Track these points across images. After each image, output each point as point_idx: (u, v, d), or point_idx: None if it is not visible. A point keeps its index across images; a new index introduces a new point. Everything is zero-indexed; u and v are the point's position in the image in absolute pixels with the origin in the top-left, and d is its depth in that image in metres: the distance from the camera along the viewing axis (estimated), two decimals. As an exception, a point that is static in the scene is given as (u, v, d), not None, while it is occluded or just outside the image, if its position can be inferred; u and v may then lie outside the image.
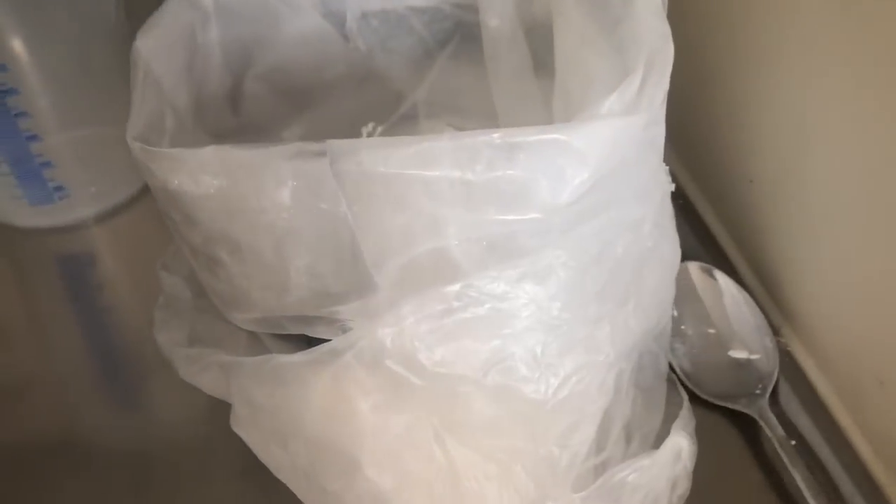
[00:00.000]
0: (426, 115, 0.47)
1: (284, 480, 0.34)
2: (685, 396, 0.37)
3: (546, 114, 0.41)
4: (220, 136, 0.43)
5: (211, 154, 0.29)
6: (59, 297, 0.53)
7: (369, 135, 0.48)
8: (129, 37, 0.51)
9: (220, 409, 0.37)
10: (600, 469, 0.32)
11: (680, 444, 0.33)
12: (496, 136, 0.27)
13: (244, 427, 0.34)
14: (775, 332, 0.41)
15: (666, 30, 0.31)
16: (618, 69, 0.33)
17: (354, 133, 0.48)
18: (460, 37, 0.45)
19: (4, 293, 0.53)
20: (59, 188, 0.53)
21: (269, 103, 0.45)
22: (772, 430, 0.36)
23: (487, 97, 0.44)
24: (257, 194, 0.29)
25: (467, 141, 0.27)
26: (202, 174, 0.29)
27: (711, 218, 0.47)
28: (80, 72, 0.51)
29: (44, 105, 0.50)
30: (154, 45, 0.37)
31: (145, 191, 0.57)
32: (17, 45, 0.48)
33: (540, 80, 0.42)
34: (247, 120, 0.45)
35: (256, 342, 0.36)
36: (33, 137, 0.51)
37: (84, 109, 0.53)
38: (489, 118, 0.45)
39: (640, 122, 0.28)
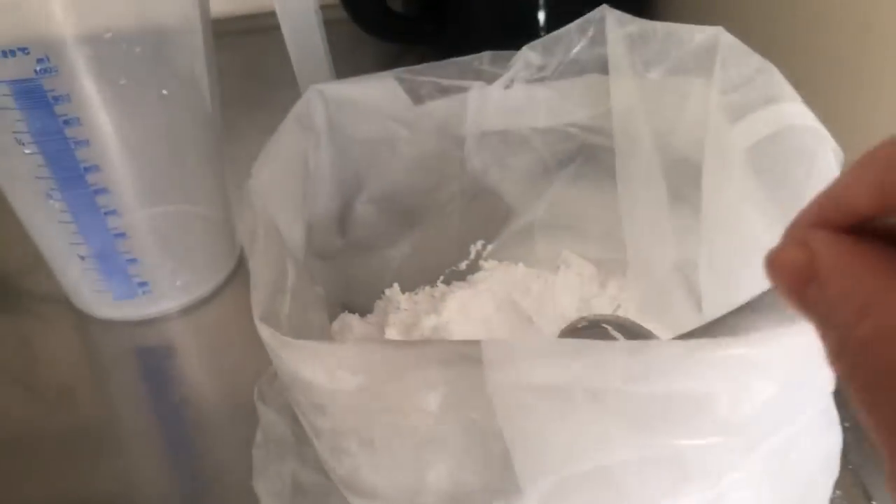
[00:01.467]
0: (543, 235, 0.44)
1: None
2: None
3: (679, 251, 0.39)
4: (325, 256, 0.41)
5: (352, 350, 0.26)
6: (137, 391, 0.51)
7: (478, 253, 0.45)
8: (221, 125, 0.50)
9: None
10: None
11: None
12: (676, 348, 0.24)
13: None
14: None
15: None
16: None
17: (463, 250, 0.45)
18: (583, 158, 0.42)
19: (83, 383, 0.51)
20: (142, 283, 0.51)
21: (377, 224, 0.43)
22: None
23: (609, 221, 0.42)
24: (401, 397, 0.26)
25: (643, 351, 0.25)
26: (340, 369, 0.26)
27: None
28: (169, 160, 0.49)
29: (130, 199, 0.48)
30: (269, 179, 0.35)
31: (228, 282, 0.55)
32: (112, 144, 0.45)
33: (675, 213, 0.39)
34: (353, 240, 0.43)
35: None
36: (121, 235, 0.48)
37: (171, 195, 0.51)
38: (611, 242, 0.42)
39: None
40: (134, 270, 0.50)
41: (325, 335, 0.42)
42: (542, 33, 0.62)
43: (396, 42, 0.69)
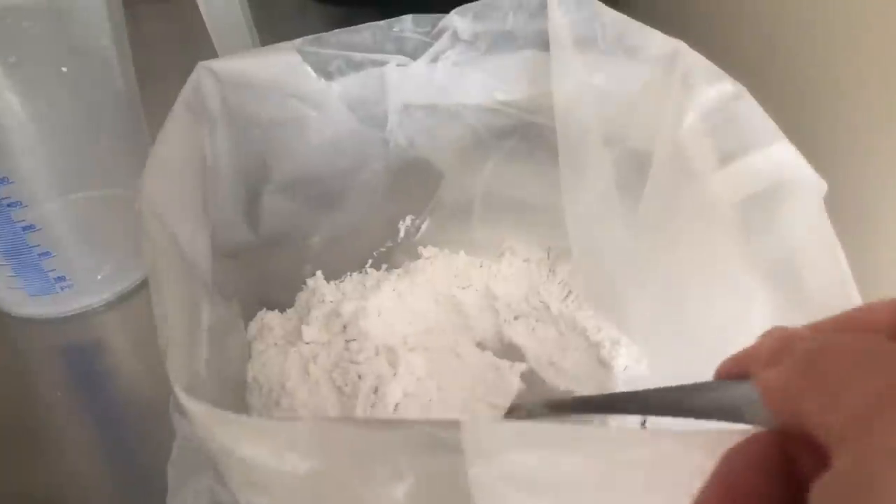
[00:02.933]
0: (483, 219, 0.41)
1: None
2: None
3: (627, 239, 0.36)
4: (235, 254, 0.38)
5: (306, 430, 0.23)
6: (62, 389, 0.48)
7: (407, 230, 0.42)
8: (137, 100, 0.45)
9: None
10: None
11: None
12: (681, 442, 0.22)
13: None
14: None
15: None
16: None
17: (392, 230, 0.42)
18: (520, 136, 0.38)
19: (5, 383, 0.48)
20: (60, 278, 0.47)
21: (290, 212, 0.39)
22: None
23: (555, 204, 0.39)
24: (361, 485, 0.24)
25: (646, 446, 0.22)
26: (290, 451, 0.24)
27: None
28: (79, 143, 0.46)
29: (39, 188, 0.44)
30: (163, 187, 0.31)
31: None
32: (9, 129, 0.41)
33: (622, 199, 0.36)
34: (265, 232, 0.39)
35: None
36: (30, 227, 0.44)
37: (86, 180, 0.48)
38: (559, 227, 0.39)
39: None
40: (49, 265, 0.47)
41: (245, 357, 0.39)
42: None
43: (342, 4, 0.62)
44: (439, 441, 0.22)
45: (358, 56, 0.35)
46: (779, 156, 0.28)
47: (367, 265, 0.42)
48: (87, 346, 0.49)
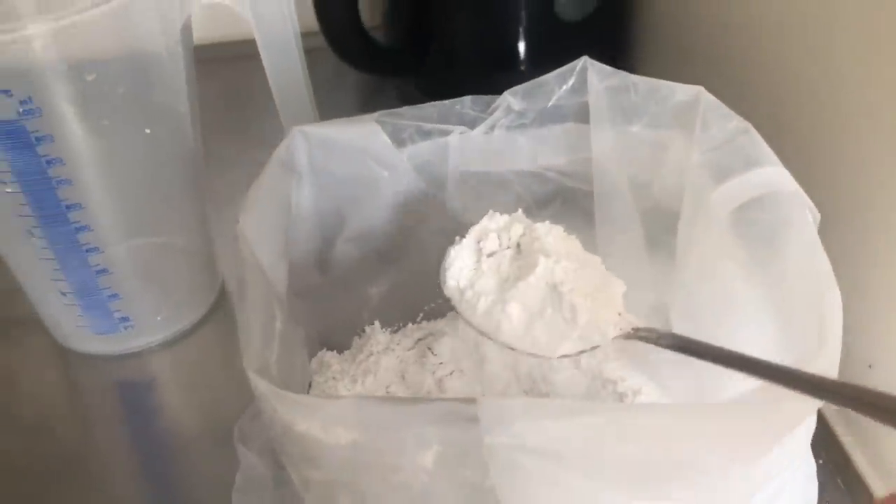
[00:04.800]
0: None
1: None
2: None
3: (656, 294, 0.40)
4: (304, 294, 0.42)
5: (349, 406, 0.27)
6: (116, 424, 0.51)
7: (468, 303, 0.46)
8: (201, 156, 0.50)
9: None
10: None
11: None
12: (669, 413, 0.25)
13: None
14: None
15: (827, 267, 0.29)
16: (762, 298, 0.31)
17: (460, 304, 0.46)
18: (561, 200, 0.43)
19: (62, 416, 0.51)
20: (124, 318, 0.51)
21: (356, 261, 0.44)
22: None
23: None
24: (395, 454, 0.27)
25: (637, 414, 0.26)
26: (336, 425, 0.27)
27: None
28: (150, 195, 0.50)
29: (112, 236, 0.48)
30: (255, 224, 0.36)
31: (210, 315, 0.56)
32: (94, 182, 0.46)
33: (652, 258, 0.40)
34: (332, 278, 0.44)
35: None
36: (103, 271, 0.49)
37: (153, 229, 0.52)
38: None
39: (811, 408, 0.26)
40: (115, 306, 0.51)
41: (307, 376, 0.42)
42: (521, 68, 0.64)
43: (377, 75, 0.69)
44: (460, 414, 0.26)
45: (427, 126, 0.40)
46: (775, 174, 0.32)
47: (419, 318, 0.46)
48: (143, 383, 0.53)
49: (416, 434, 0.26)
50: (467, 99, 0.41)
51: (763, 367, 0.28)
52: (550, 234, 0.39)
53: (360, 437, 0.27)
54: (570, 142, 0.40)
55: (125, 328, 0.52)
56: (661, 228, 0.39)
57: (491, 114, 0.41)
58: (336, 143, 0.40)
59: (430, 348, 0.44)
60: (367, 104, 0.77)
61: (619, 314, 0.36)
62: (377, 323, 0.46)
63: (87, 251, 0.47)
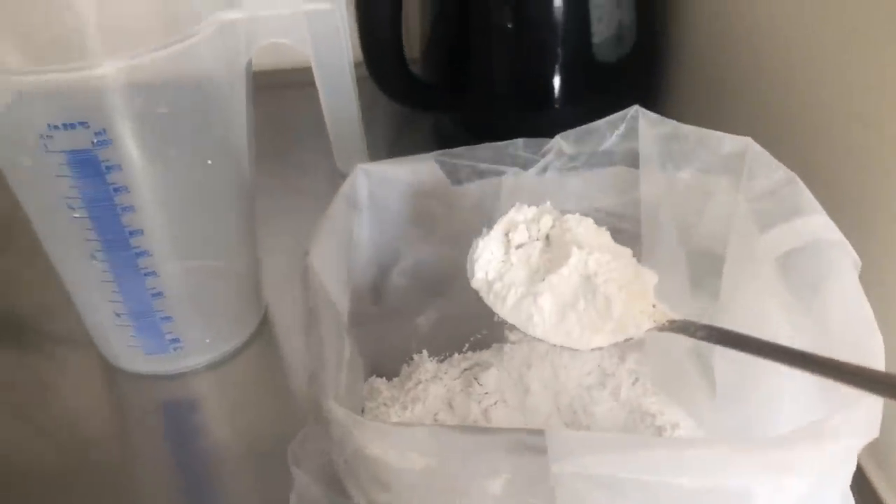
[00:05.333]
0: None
1: None
2: None
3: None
4: (359, 323, 0.44)
5: (425, 433, 0.29)
6: (162, 443, 0.53)
7: (501, 322, 0.48)
8: (253, 184, 0.52)
9: None
10: None
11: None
12: (721, 446, 0.27)
13: None
14: None
15: (869, 314, 0.31)
16: (805, 341, 0.33)
17: (488, 319, 0.48)
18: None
19: (108, 434, 0.53)
20: (174, 340, 0.53)
21: (408, 294, 0.46)
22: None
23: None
24: (466, 480, 0.29)
25: (691, 447, 0.27)
26: (411, 451, 0.29)
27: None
28: (206, 221, 0.52)
29: (168, 261, 0.50)
30: (323, 257, 0.38)
31: (253, 339, 0.57)
32: (156, 210, 0.48)
33: (694, 298, 0.42)
34: (386, 308, 0.46)
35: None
36: (158, 294, 0.51)
37: (205, 254, 0.54)
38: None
39: (859, 444, 0.28)
40: (167, 328, 0.53)
41: (361, 401, 0.44)
42: (556, 106, 0.66)
43: (417, 108, 0.71)
44: (528, 444, 0.28)
45: (483, 166, 0.42)
46: (820, 223, 0.34)
47: (465, 348, 0.48)
48: (187, 403, 0.54)
49: (487, 462, 0.28)
50: (520, 141, 0.43)
51: (803, 357, 0.30)
52: (581, 225, 0.39)
53: (433, 462, 0.29)
54: (619, 184, 0.42)
55: (175, 349, 0.54)
56: (704, 270, 0.41)
57: (543, 156, 0.43)
58: (396, 180, 0.43)
59: (476, 378, 0.46)
60: (401, 134, 0.80)
61: (654, 305, 0.37)
62: (425, 352, 0.48)
63: (145, 275, 0.49)
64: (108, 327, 0.53)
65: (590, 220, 0.40)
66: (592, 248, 0.38)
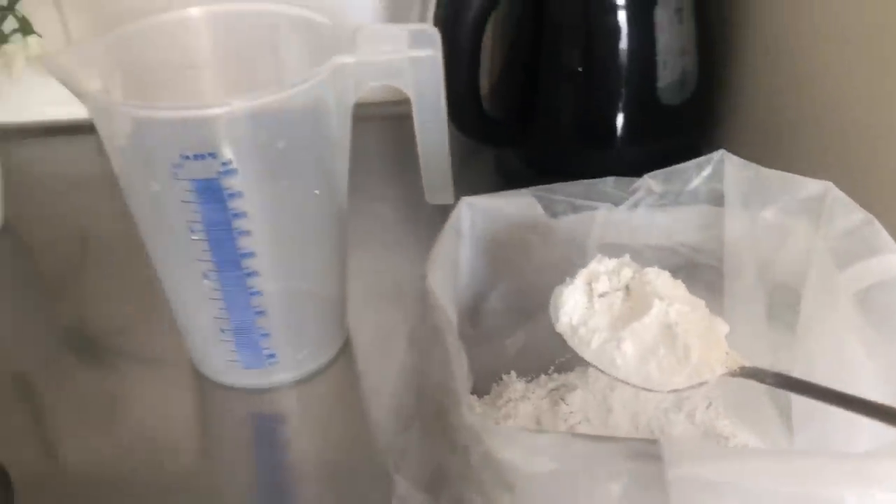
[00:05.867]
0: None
1: None
2: None
3: (771, 363, 0.45)
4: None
5: (554, 440, 0.32)
6: (250, 451, 0.56)
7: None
8: (345, 216, 0.56)
9: None
10: None
11: None
12: (825, 459, 0.31)
13: None
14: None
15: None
16: (883, 374, 0.36)
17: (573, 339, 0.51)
18: (687, 273, 0.48)
19: (200, 447, 0.57)
20: (270, 355, 0.57)
21: (500, 317, 0.49)
22: None
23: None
24: (588, 484, 0.32)
25: (792, 458, 0.31)
26: (538, 455, 0.32)
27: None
28: (306, 245, 0.56)
29: (272, 281, 0.54)
30: (438, 281, 0.41)
31: (337, 358, 0.61)
32: (268, 234, 0.52)
33: (771, 329, 0.45)
34: (481, 331, 0.49)
35: None
36: (261, 312, 0.55)
37: (303, 276, 0.58)
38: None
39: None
40: (265, 343, 0.56)
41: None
42: (617, 146, 0.70)
43: (486, 143, 0.76)
44: (645, 452, 0.31)
45: (578, 201, 0.46)
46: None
47: (551, 370, 0.52)
48: (276, 416, 0.58)
49: (608, 467, 0.32)
50: (610, 179, 0.47)
51: (862, 404, 0.34)
52: (660, 277, 0.43)
53: (559, 466, 0.33)
54: (703, 221, 0.46)
55: (270, 364, 0.57)
56: (782, 303, 0.44)
57: (632, 193, 0.47)
58: (497, 213, 0.47)
59: (562, 398, 0.49)
60: (464, 166, 0.84)
61: (727, 353, 0.41)
62: (513, 373, 0.52)
63: (251, 294, 0.53)
64: (210, 342, 0.57)
65: (667, 274, 0.44)
66: (671, 299, 0.42)
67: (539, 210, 0.46)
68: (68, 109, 0.85)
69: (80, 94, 0.49)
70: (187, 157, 0.47)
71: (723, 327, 0.42)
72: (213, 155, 0.47)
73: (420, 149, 0.56)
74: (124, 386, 0.60)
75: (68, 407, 0.59)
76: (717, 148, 0.46)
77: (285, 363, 0.58)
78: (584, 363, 0.50)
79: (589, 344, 0.43)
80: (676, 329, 0.41)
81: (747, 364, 0.41)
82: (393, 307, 0.65)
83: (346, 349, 0.62)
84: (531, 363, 0.52)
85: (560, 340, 0.50)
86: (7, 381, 0.62)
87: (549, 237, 0.47)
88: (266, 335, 0.56)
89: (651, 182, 0.46)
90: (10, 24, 0.66)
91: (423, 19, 0.86)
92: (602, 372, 0.42)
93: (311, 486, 0.54)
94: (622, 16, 0.68)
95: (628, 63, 0.69)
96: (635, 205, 0.46)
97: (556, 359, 0.52)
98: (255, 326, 0.55)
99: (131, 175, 0.51)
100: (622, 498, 0.32)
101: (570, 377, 0.51)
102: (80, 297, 0.70)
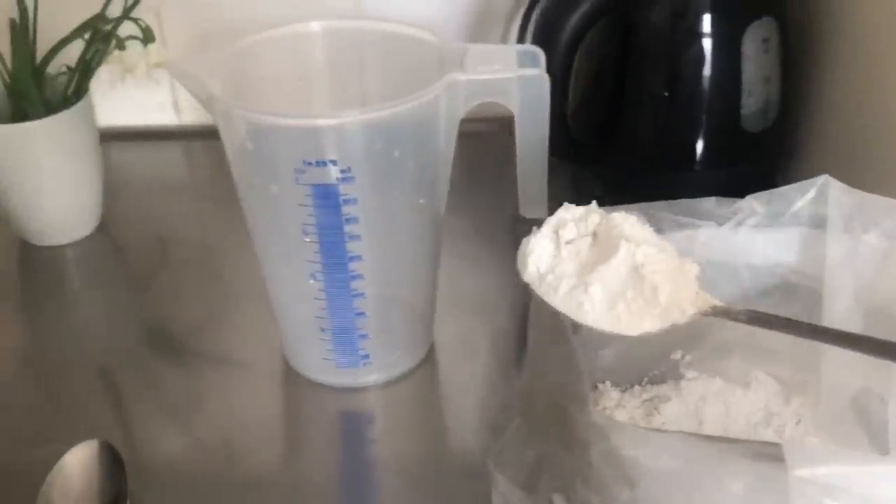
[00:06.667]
0: (739, 354, 0.52)
1: None
2: None
3: (863, 382, 0.47)
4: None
5: (676, 439, 0.34)
6: (339, 448, 0.59)
7: (676, 361, 0.53)
8: (442, 224, 0.59)
9: None
10: None
11: None
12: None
13: None
14: None
15: None
16: None
17: (665, 357, 0.53)
18: (782, 293, 0.50)
19: (289, 443, 0.60)
20: (365, 356, 0.59)
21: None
22: None
23: (798, 348, 0.49)
24: (710, 483, 0.34)
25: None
26: (664, 453, 0.34)
27: None
28: (407, 252, 0.59)
29: (374, 284, 0.57)
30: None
31: (423, 363, 0.64)
32: (376, 239, 0.54)
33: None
34: (580, 339, 0.51)
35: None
36: (361, 314, 0.57)
37: (401, 281, 0.61)
38: (798, 366, 0.51)
39: None
40: (362, 344, 0.59)
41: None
42: (696, 168, 0.72)
43: (572, 163, 0.78)
44: (767, 453, 0.33)
45: (683, 220, 0.48)
46: None
47: (644, 381, 0.54)
48: (367, 415, 0.60)
49: (731, 466, 0.34)
50: (712, 199, 0.49)
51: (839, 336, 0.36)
52: (627, 221, 0.43)
53: (682, 464, 0.34)
54: (803, 244, 0.48)
55: (364, 364, 0.60)
56: (879, 326, 0.46)
57: (735, 213, 0.48)
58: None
59: (656, 408, 0.51)
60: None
61: (696, 293, 0.41)
62: (608, 382, 0.54)
63: (353, 296, 0.56)
64: (308, 341, 0.60)
65: (634, 218, 0.44)
66: (639, 241, 0.42)
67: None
68: (159, 116, 0.90)
69: (206, 99, 0.52)
70: (310, 164, 0.50)
71: (693, 269, 0.42)
72: (334, 162, 0.50)
73: (519, 164, 0.58)
74: (211, 383, 0.64)
75: (159, 401, 0.62)
76: (792, 175, 0.47)
77: (377, 364, 0.60)
78: (676, 377, 0.53)
79: (556, 290, 0.42)
80: (643, 270, 0.41)
81: (719, 303, 0.41)
82: (473, 316, 0.68)
83: (430, 355, 0.64)
84: (624, 375, 0.54)
85: (650, 356, 0.53)
86: (93, 373, 0.65)
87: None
88: (364, 336, 0.58)
89: (754, 203, 0.48)
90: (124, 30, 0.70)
91: (504, 41, 0.89)
92: (571, 319, 0.42)
93: (397, 484, 0.56)
94: (708, 44, 0.70)
95: (713, 90, 0.71)
96: (738, 224, 0.48)
97: (648, 371, 0.54)
98: (354, 327, 0.58)
99: (252, 177, 0.53)
100: (743, 498, 0.34)
101: (664, 388, 0.53)
102: (164, 296, 0.73)
